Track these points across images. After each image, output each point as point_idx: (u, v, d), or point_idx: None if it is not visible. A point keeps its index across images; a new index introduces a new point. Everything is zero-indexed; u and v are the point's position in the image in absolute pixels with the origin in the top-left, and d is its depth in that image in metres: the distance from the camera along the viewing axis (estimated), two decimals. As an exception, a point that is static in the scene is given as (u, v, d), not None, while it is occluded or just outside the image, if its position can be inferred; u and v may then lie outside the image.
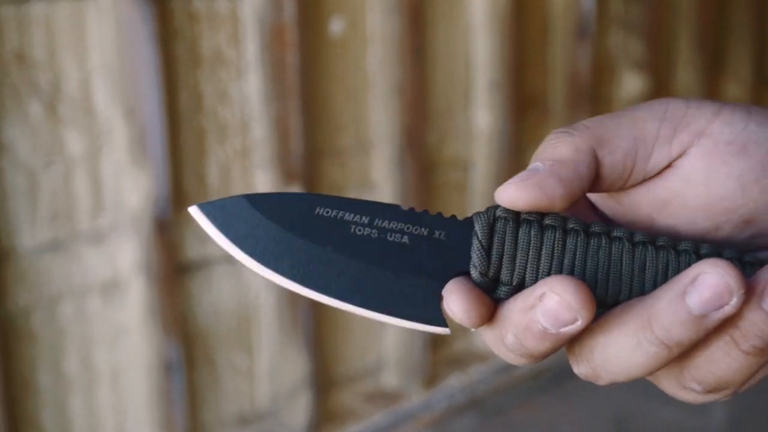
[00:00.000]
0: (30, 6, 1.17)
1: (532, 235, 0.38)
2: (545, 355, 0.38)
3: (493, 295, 0.38)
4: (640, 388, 1.80)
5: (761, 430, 1.71)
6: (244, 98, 1.37)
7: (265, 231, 0.37)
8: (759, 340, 0.36)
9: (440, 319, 0.38)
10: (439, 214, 0.38)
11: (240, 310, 1.44)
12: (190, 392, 1.39)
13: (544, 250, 0.38)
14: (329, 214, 0.37)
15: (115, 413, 1.33)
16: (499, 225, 0.38)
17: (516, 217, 0.38)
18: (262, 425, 1.49)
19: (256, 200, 0.37)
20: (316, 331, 1.52)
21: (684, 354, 0.37)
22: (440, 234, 0.38)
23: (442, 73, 1.66)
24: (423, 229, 0.38)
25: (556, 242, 0.38)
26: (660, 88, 2.14)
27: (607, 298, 0.38)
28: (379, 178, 1.58)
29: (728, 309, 0.35)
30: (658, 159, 0.40)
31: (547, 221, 0.38)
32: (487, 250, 0.38)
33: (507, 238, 0.38)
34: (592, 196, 0.43)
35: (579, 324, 0.36)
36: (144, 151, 1.25)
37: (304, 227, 0.37)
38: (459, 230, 0.38)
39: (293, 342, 1.47)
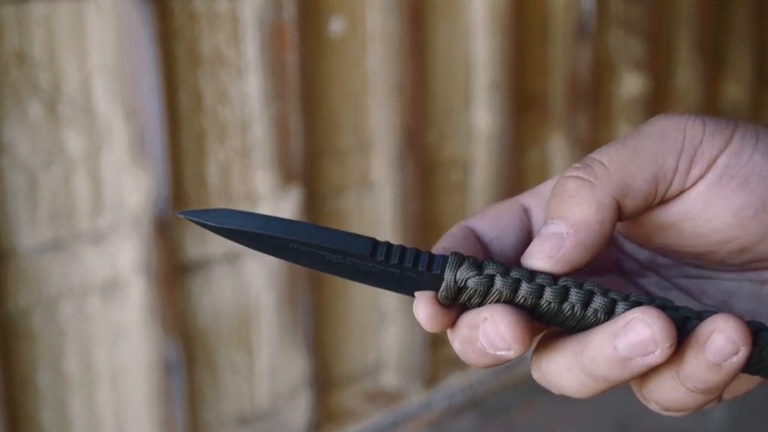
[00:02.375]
0: (30, 6, 1.17)
1: (501, 299, 0.39)
2: (491, 366, 0.39)
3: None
4: (640, 388, 1.80)
5: (761, 430, 1.71)
6: (244, 98, 1.37)
7: (247, 234, 0.39)
8: (701, 383, 0.37)
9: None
10: (413, 252, 0.39)
11: (240, 310, 1.44)
12: (190, 392, 1.39)
13: (516, 301, 0.39)
14: (303, 248, 0.39)
15: (115, 413, 1.33)
16: (467, 291, 0.39)
17: (487, 288, 0.39)
18: (262, 425, 1.49)
19: (236, 214, 0.40)
20: (316, 331, 1.52)
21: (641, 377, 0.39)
22: (411, 274, 0.39)
23: (442, 73, 1.66)
24: (395, 270, 0.39)
25: (525, 300, 0.38)
26: (660, 88, 2.14)
27: (554, 323, 0.39)
28: (379, 178, 1.58)
29: (652, 359, 0.36)
30: (673, 191, 0.40)
31: (521, 293, 0.39)
32: (452, 300, 0.39)
33: (473, 298, 0.39)
34: None
35: (512, 354, 0.37)
36: (144, 151, 1.25)
37: (280, 252, 0.39)
38: (429, 280, 0.39)
39: (293, 342, 1.47)
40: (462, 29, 1.68)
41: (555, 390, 0.40)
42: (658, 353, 0.36)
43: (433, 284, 0.39)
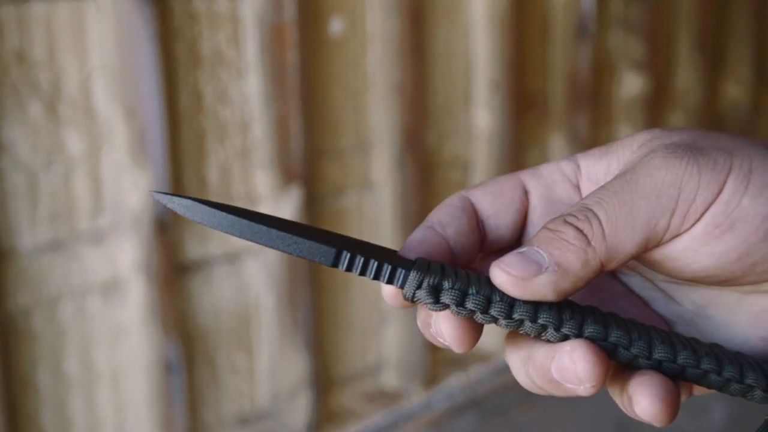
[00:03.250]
0: (30, 6, 1.17)
1: (452, 311, 0.40)
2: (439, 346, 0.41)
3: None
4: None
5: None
6: (244, 98, 1.37)
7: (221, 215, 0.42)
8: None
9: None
10: (375, 268, 0.40)
11: (240, 310, 1.44)
12: (190, 392, 1.39)
13: (491, 310, 0.40)
14: (270, 243, 0.40)
15: (115, 413, 1.33)
16: (420, 297, 0.40)
17: (436, 301, 0.40)
18: (262, 425, 1.49)
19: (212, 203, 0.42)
20: (316, 331, 1.52)
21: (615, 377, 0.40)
22: (387, 267, 0.40)
23: (442, 73, 1.66)
24: (374, 263, 0.40)
25: (501, 309, 0.39)
26: (660, 88, 2.15)
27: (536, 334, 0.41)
28: (379, 178, 1.58)
29: (579, 390, 0.38)
30: (663, 242, 0.40)
31: (468, 305, 0.39)
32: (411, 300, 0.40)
33: (429, 303, 0.40)
34: None
35: (455, 350, 0.40)
36: (144, 151, 1.25)
37: (246, 237, 0.41)
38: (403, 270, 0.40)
39: (293, 342, 1.47)
40: (462, 29, 1.68)
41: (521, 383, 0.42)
42: (583, 389, 0.38)
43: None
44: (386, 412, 1.64)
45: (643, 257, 0.40)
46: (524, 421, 1.75)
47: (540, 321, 0.39)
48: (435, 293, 0.39)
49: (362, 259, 0.40)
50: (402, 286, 0.40)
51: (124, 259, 1.28)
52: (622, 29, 2.02)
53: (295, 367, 1.48)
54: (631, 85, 2.06)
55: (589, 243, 0.39)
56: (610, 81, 2.04)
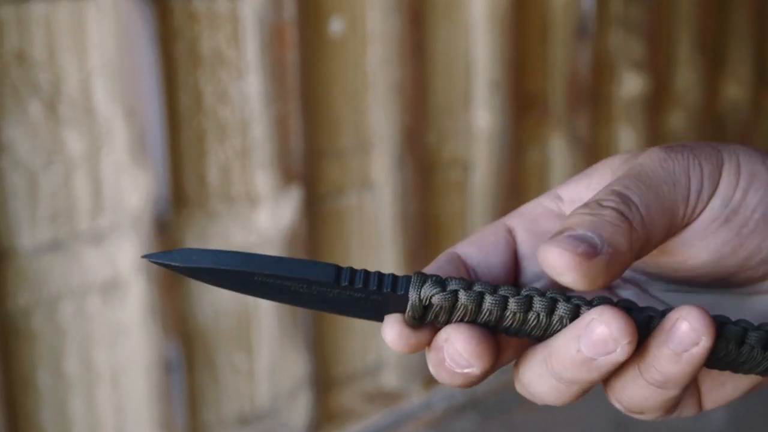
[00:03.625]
0: (30, 6, 1.17)
1: (467, 315, 0.39)
2: (469, 386, 0.41)
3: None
4: (640, 388, 1.80)
5: (761, 430, 1.71)
6: (244, 98, 1.37)
7: (212, 269, 0.40)
8: (659, 374, 0.37)
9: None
10: (377, 276, 0.40)
11: (240, 310, 1.44)
12: (190, 392, 1.39)
13: (479, 319, 0.39)
14: (268, 281, 0.40)
15: (115, 413, 1.33)
16: (432, 309, 0.39)
17: (452, 304, 0.39)
18: (262, 425, 1.49)
19: (203, 253, 0.40)
20: (316, 331, 1.52)
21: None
22: (377, 297, 0.40)
23: (442, 73, 1.66)
24: (360, 294, 0.40)
25: (490, 317, 0.39)
26: (660, 88, 2.14)
27: (521, 335, 0.40)
28: (379, 178, 1.58)
29: (615, 357, 0.37)
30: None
31: (486, 306, 0.39)
32: (419, 321, 0.40)
33: (440, 316, 0.39)
34: None
35: (476, 371, 0.39)
36: (144, 151, 1.25)
37: (245, 286, 0.40)
38: (394, 301, 0.40)
39: (293, 342, 1.47)
40: (462, 29, 1.67)
41: (537, 400, 0.41)
42: (619, 351, 0.36)
43: (399, 306, 0.40)
44: (386, 412, 1.64)
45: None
46: (524, 421, 1.75)
47: (549, 294, 0.38)
48: (442, 285, 0.39)
49: (363, 272, 0.40)
50: (406, 292, 0.39)
51: (124, 259, 1.28)
52: (622, 29, 2.02)
53: (295, 367, 1.48)
54: (631, 85, 2.06)
55: (632, 225, 0.38)
56: (610, 81, 2.04)
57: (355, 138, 1.55)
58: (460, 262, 0.43)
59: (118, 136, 1.24)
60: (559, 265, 0.36)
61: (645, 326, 0.38)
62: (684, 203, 0.39)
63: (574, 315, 0.38)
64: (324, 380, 1.57)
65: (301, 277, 0.39)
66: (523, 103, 1.80)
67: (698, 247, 0.40)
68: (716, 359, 0.38)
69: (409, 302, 0.39)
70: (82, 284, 1.25)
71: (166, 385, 1.33)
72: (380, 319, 0.41)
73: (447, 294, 0.38)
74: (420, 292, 0.39)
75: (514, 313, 0.38)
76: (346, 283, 0.40)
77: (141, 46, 1.23)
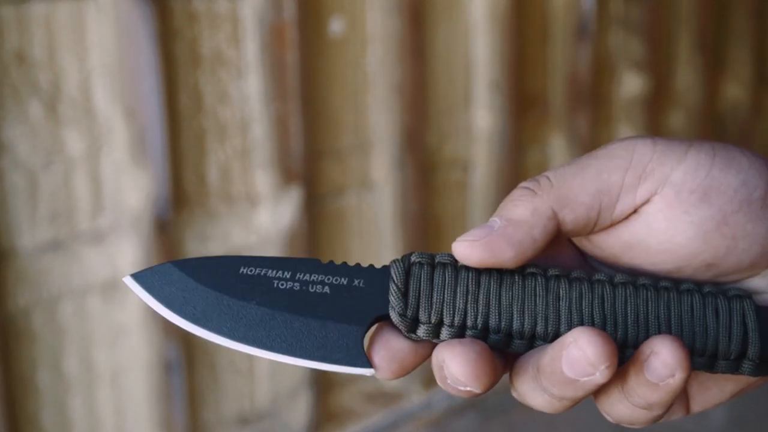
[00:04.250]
0: (30, 6, 1.17)
1: (447, 276, 0.40)
2: (473, 397, 0.41)
3: (414, 335, 0.40)
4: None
5: (761, 430, 1.71)
6: (244, 98, 1.37)
7: (194, 293, 0.39)
8: (641, 399, 0.38)
9: (364, 362, 0.39)
10: (358, 265, 0.40)
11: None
12: (190, 392, 1.39)
13: (459, 288, 0.39)
14: (253, 272, 0.40)
15: (115, 413, 1.33)
16: (414, 269, 0.40)
17: (431, 261, 0.40)
18: (262, 425, 1.49)
19: (184, 266, 0.40)
20: (316, 331, 1.52)
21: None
22: (359, 282, 0.40)
23: (442, 73, 1.66)
24: (342, 279, 0.40)
25: (470, 281, 0.40)
26: (660, 88, 2.14)
27: (524, 330, 0.40)
28: (379, 178, 1.58)
29: (596, 379, 0.38)
30: (624, 206, 0.41)
31: (462, 263, 0.40)
32: (404, 292, 0.40)
33: (423, 279, 0.40)
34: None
35: (476, 390, 0.39)
36: (144, 151, 1.25)
37: (230, 286, 0.39)
38: (377, 277, 0.40)
39: (293, 342, 1.47)
40: (462, 29, 1.67)
41: (533, 408, 0.42)
42: (599, 375, 0.37)
43: (381, 293, 0.40)
44: (386, 412, 1.64)
45: (630, 238, 0.41)
46: (524, 421, 1.75)
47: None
48: (432, 259, 0.40)
49: (346, 263, 0.40)
50: (389, 267, 0.40)
51: (124, 259, 1.28)
52: (622, 29, 2.02)
53: (295, 367, 1.48)
54: (631, 85, 2.06)
55: (535, 194, 0.40)
56: (610, 81, 2.04)
57: (355, 138, 1.55)
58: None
59: (118, 136, 1.24)
60: (462, 254, 0.39)
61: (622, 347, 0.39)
62: (621, 171, 0.40)
63: (579, 297, 0.39)
64: (324, 380, 1.57)
65: (288, 263, 0.40)
66: (523, 103, 1.80)
67: (683, 221, 0.40)
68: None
69: (392, 267, 0.40)
70: (82, 284, 1.25)
71: (166, 385, 1.33)
72: (361, 323, 0.39)
73: (425, 254, 0.40)
74: (401, 261, 0.40)
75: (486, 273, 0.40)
76: (330, 264, 0.40)
77: (141, 46, 1.23)
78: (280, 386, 1.49)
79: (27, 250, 1.20)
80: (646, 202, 0.41)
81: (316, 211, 1.50)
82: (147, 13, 1.22)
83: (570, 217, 0.40)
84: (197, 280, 0.40)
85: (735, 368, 0.40)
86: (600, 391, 0.40)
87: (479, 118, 1.72)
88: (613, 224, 0.41)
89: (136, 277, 0.40)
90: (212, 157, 1.36)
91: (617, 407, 0.40)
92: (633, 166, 0.40)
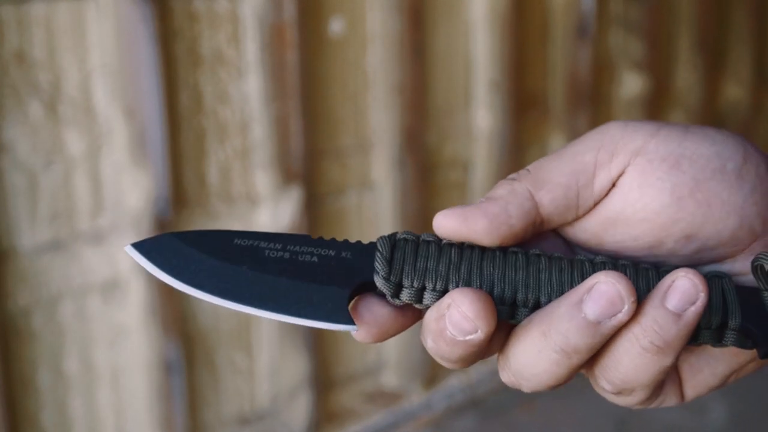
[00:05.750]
0: (30, 6, 1.17)
1: (432, 249, 0.41)
2: (465, 361, 0.41)
3: (398, 299, 0.42)
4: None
5: (761, 431, 1.71)
6: (244, 98, 1.37)
7: (190, 259, 0.42)
8: (657, 336, 0.38)
9: (348, 319, 0.41)
10: (346, 240, 0.43)
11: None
12: (190, 392, 1.39)
13: (442, 258, 0.41)
14: (246, 243, 0.42)
15: (115, 413, 1.33)
16: (400, 243, 0.42)
17: (416, 238, 0.42)
18: (262, 425, 1.49)
19: (182, 236, 0.43)
20: (316, 331, 1.52)
21: (595, 354, 0.40)
22: (347, 254, 0.42)
23: (442, 73, 1.66)
24: (330, 251, 0.42)
25: (453, 252, 0.41)
26: (660, 88, 2.14)
27: (505, 297, 0.41)
28: (379, 178, 1.58)
29: (621, 317, 0.38)
30: (601, 182, 0.42)
31: (445, 241, 0.42)
32: (389, 260, 0.41)
33: (408, 251, 0.41)
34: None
35: (480, 334, 0.39)
36: (144, 151, 1.25)
37: (224, 254, 0.42)
38: (364, 251, 0.42)
39: (293, 342, 1.47)
40: (462, 29, 1.68)
41: (526, 386, 0.41)
42: (626, 309, 0.38)
43: (367, 263, 0.41)
44: (386, 412, 1.64)
45: (609, 215, 0.41)
46: (524, 421, 1.75)
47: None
48: (417, 236, 0.42)
49: (335, 239, 0.42)
50: (376, 243, 0.41)
51: (124, 259, 1.28)
52: (622, 29, 2.02)
53: (295, 367, 1.48)
54: (631, 85, 2.06)
55: (514, 180, 0.42)
56: (610, 81, 2.04)
57: (355, 138, 1.55)
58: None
59: (118, 136, 1.24)
60: (439, 223, 0.40)
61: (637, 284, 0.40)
62: (593, 151, 0.41)
63: (559, 273, 0.40)
64: (324, 380, 1.57)
65: (278, 235, 0.42)
66: (523, 103, 1.80)
67: (655, 187, 0.41)
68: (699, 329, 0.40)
69: (378, 241, 0.41)
70: (82, 284, 1.25)
71: (166, 385, 1.33)
72: (346, 285, 0.41)
73: (411, 233, 0.42)
74: (387, 236, 0.42)
75: (472, 248, 0.41)
76: (319, 238, 0.42)
77: (141, 46, 1.23)
78: (280, 386, 1.49)
79: (27, 250, 1.20)
80: (621, 174, 0.41)
81: (316, 211, 1.50)
82: (147, 13, 1.22)
83: (547, 198, 0.41)
84: (193, 247, 0.42)
85: (718, 338, 0.41)
86: (604, 348, 0.40)
87: (479, 118, 1.72)
88: (596, 204, 0.42)
89: (137, 246, 0.42)
90: (212, 157, 1.36)
91: (624, 361, 0.39)
92: (605, 144, 0.42)
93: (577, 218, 0.42)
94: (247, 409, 1.48)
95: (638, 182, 0.41)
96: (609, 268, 0.40)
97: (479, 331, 0.39)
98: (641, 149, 0.41)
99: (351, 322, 0.41)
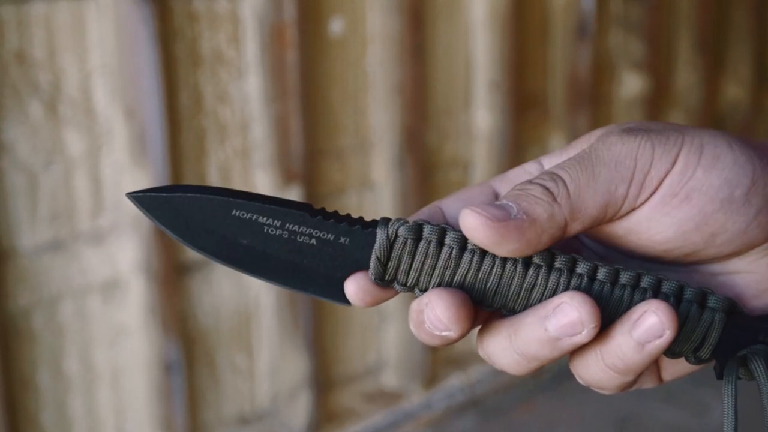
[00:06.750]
0: (30, 6, 1.17)
1: (430, 253, 0.41)
2: (441, 346, 0.43)
3: (390, 288, 0.42)
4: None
5: (761, 431, 1.71)
6: (244, 98, 1.37)
7: (191, 223, 0.42)
8: (619, 360, 0.40)
9: (343, 299, 0.42)
10: (348, 219, 0.42)
11: (240, 310, 1.44)
12: (190, 392, 1.39)
13: (438, 266, 0.41)
14: (245, 216, 0.41)
15: (115, 413, 1.33)
16: (398, 242, 0.41)
17: (417, 236, 0.41)
18: (262, 425, 1.49)
19: (183, 199, 0.42)
20: (316, 331, 1.52)
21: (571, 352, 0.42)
22: (345, 240, 0.42)
23: (442, 73, 1.66)
24: (329, 235, 0.42)
25: (451, 259, 0.41)
26: (660, 88, 2.14)
27: (486, 303, 0.42)
28: (379, 178, 1.58)
29: (579, 338, 0.40)
30: (621, 213, 0.42)
31: (447, 240, 0.41)
32: (384, 264, 0.41)
33: (404, 255, 0.41)
34: None
35: (452, 335, 0.41)
36: (144, 151, 1.25)
37: (222, 223, 0.41)
38: (362, 240, 0.41)
39: (293, 342, 1.47)
40: (462, 29, 1.68)
41: (497, 367, 0.43)
42: (585, 334, 0.39)
43: (364, 255, 0.41)
44: (386, 412, 1.64)
45: (611, 232, 0.42)
46: (524, 421, 1.75)
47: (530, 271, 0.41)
48: (407, 223, 0.41)
49: (337, 214, 0.42)
50: (374, 228, 0.41)
51: (124, 259, 1.28)
52: (622, 29, 2.02)
53: (295, 367, 1.48)
54: (631, 85, 2.06)
55: (555, 199, 0.41)
56: (610, 81, 2.04)
57: (355, 138, 1.55)
58: (441, 214, 0.45)
59: (118, 136, 1.24)
60: (470, 225, 0.39)
61: (609, 310, 0.41)
62: (626, 183, 0.41)
63: (552, 285, 0.41)
64: (324, 380, 1.57)
65: (278, 207, 0.41)
66: (523, 103, 1.80)
67: (662, 222, 0.41)
68: (672, 351, 0.42)
69: (377, 236, 0.41)
70: (82, 284, 1.25)
71: (166, 385, 1.33)
72: (343, 275, 0.42)
73: (412, 225, 0.41)
74: (388, 226, 0.41)
75: (473, 252, 0.41)
76: (319, 217, 0.41)
77: (141, 46, 1.23)
78: (280, 386, 1.49)
79: (27, 250, 1.20)
80: (640, 206, 0.42)
81: (316, 211, 1.49)
82: (147, 13, 1.22)
83: (577, 228, 0.41)
84: (193, 213, 0.42)
85: (681, 356, 0.42)
86: (575, 352, 0.42)
87: (479, 118, 1.72)
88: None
89: (137, 196, 0.43)
90: (212, 157, 1.36)
91: (591, 369, 0.41)
92: (636, 176, 0.41)
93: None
94: (247, 409, 1.48)
95: (647, 216, 0.41)
96: (585, 284, 0.41)
97: (452, 332, 0.40)
98: (661, 183, 0.41)
99: (346, 301, 0.42)
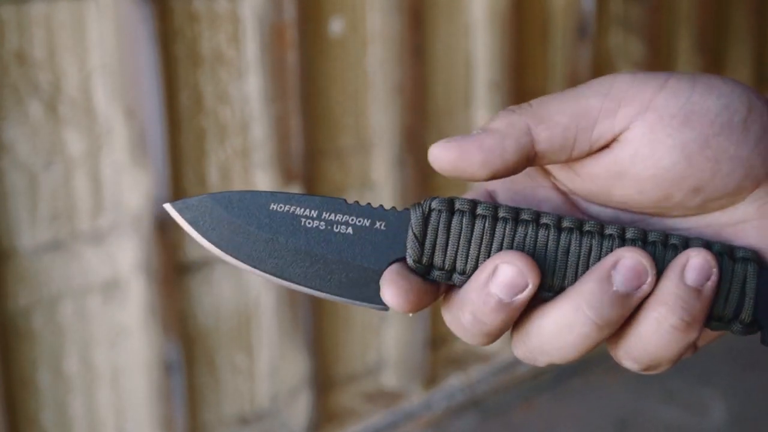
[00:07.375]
0: (30, 6, 1.17)
1: (464, 225, 0.41)
2: (501, 330, 0.42)
3: (428, 278, 0.42)
4: (641, 388, 1.80)
5: (761, 431, 1.71)
6: (244, 98, 1.37)
7: (226, 225, 0.42)
8: (685, 312, 0.40)
9: (380, 300, 0.42)
10: (381, 206, 0.43)
11: (240, 310, 1.44)
12: (190, 392, 1.39)
13: (473, 238, 0.41)
14: (282, 209, 0.42)
15: (115, 413, 1.33)
16: (433, 216, 0.42)
17: (450, 207, 0.42)
18: (262, 425, 1.49)
19: (219, 199, 0.43)
20: (316, 331, 1.52)
21: (617, 334, 0.41)
22: (381, 224, 0.42)
23: (442, 73, 1.66)
24: (365, 221, 0.42)
25: (485, 231, 0.41)
26: (660, 88, 2.14)
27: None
28: (379, 178, 1.58)
29: (645, 288, 0.40)
30: (602, 131, 0.42)
31: (479, 211, 0.42)
32: (421, 241, 0.41)
33: (440, 228, 0.41)
34: (556, 173, 0.45)
35: (530, 288, 0.40)
36: (144, 151, 1.25)
37: (260, 221, 0.42)
38: (398, 221, 0.42)
39: (293, 342, 1.47)
40: (462, 29, 1.68)
41: (544, 360, 0.42)
42: (650, 280, 0.40)
43: (400, 237, 0.42)
44: (386, 412, 1.64)
45: (618, 168, 0.42)
46: (524, 421, 1.75)
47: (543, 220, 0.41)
48: (451, 205, 0.41)
49: (370, 204, 0.43)
50: (410, 209, 0.42)
51: (124, 259, 1.28)
52: (622, 29, 2.02)
53: (295, 367, 1.48)
54: (631, 85, 2.06)
55: (513, 112, 0.42)
56: (610, 81, 2.04)
57: (355, 138, 1.55)
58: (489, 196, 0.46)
59: (118, 136, 1.24)
60: (434, 152, 0.41)
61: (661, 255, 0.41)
62: (599, 96, 0.41)
63: (589, 250, 0.41)
64: (324, 380, 1.57)
65: (315, 200, 0.42)
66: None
67: (665, 144, 0.41)
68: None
69: (412, 213, 0.41)
70: (82, 284, 1.25)
71: (166, 385, 1.33)
72: (380, 265, 0.42)
73: (445, 198, 0.41)
74: (422, 203, 0.42)
75: (505, 218, 0.41)
76: (354, 203, 0.42)
77: (141, 46, 1.23)
78: (280, 386, 1.49)
79: (27, 250, 1.20)
80: (628, 128, 0.42)
81: (316, 211, 1.49)
82: (147, 13, 1.22)
83: (544, 134, 0.41)
84: (230, 213, 0.42)
85: (726, 328, 0.42)
86: (629, 327, 0.41)
87: (479, 118, 1.72)
88: (592, 150, 0.42)
89: (175, 205, 0.43)
90: (212, 157, 1.36)
91: (652, 341, 0.41)
92: (612, 92, 0.42)
93: (570, 159, 0.43)
94: (247, 409, 1.48)
95: (648, 138, 0.41)
96: (629, 244, 0.41)
97: (530, 284, 0.40)
98: (650, 103, 0.41)
99: (383, 304, 0.42)
